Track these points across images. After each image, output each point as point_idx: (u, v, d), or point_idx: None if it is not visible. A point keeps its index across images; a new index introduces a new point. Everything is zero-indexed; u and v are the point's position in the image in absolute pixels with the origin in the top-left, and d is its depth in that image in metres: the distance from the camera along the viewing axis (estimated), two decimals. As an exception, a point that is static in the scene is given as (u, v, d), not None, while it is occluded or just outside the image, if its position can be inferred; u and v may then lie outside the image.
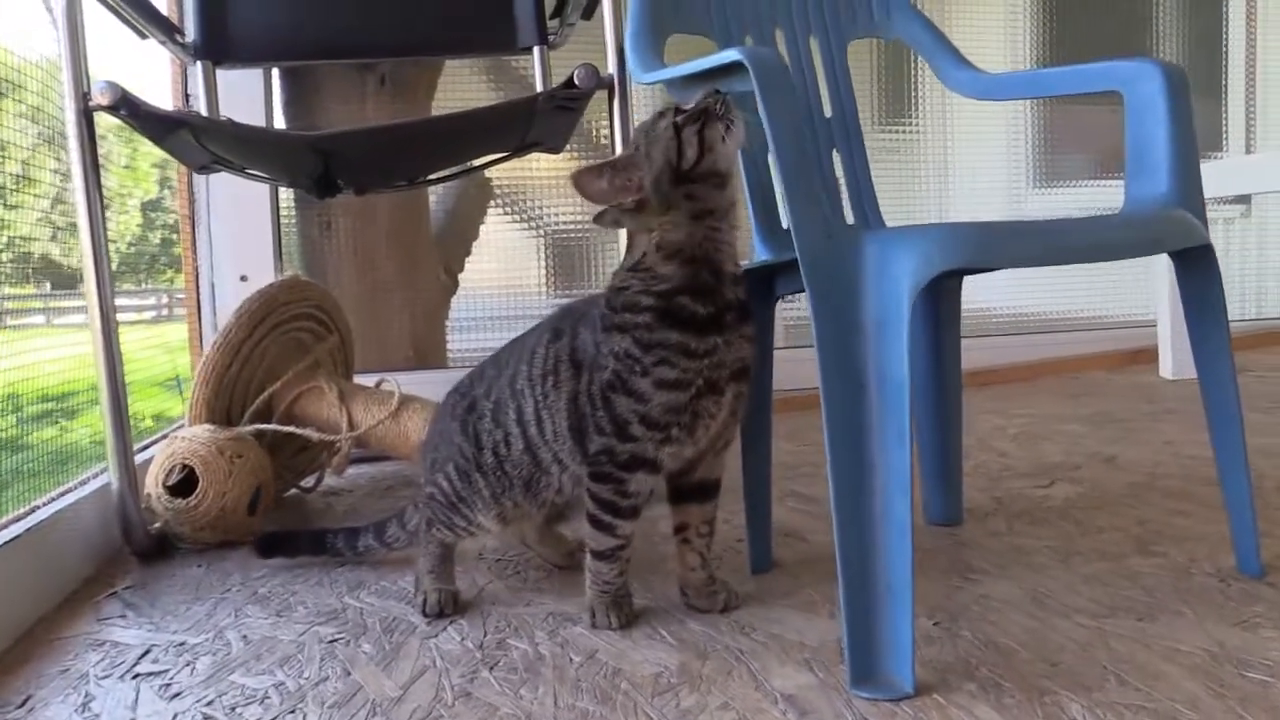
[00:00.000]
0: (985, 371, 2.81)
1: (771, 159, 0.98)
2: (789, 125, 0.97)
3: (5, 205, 1.50)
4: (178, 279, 2.80)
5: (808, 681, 1.00)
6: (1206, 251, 1.14)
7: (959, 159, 3.22)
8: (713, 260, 1.10)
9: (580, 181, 1.09)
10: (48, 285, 1.82)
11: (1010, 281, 3.14)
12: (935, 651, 1.05)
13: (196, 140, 1.58)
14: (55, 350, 1.66)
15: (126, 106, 1.46)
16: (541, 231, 2.79)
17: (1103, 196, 3.29)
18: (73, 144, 1.48)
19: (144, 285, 2.61)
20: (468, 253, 2.65)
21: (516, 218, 2.77)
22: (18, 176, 1.50)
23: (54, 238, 1.75)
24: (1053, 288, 3.20)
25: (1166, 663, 0.99)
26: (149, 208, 2.68)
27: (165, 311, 2.72)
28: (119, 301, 1.96)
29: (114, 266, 1.87)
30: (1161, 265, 2.68)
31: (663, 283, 1.09)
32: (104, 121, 1.74)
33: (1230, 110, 3.45)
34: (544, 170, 2.77)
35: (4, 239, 1.55)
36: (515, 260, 2.77)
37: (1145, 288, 3.21)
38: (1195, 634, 1.06)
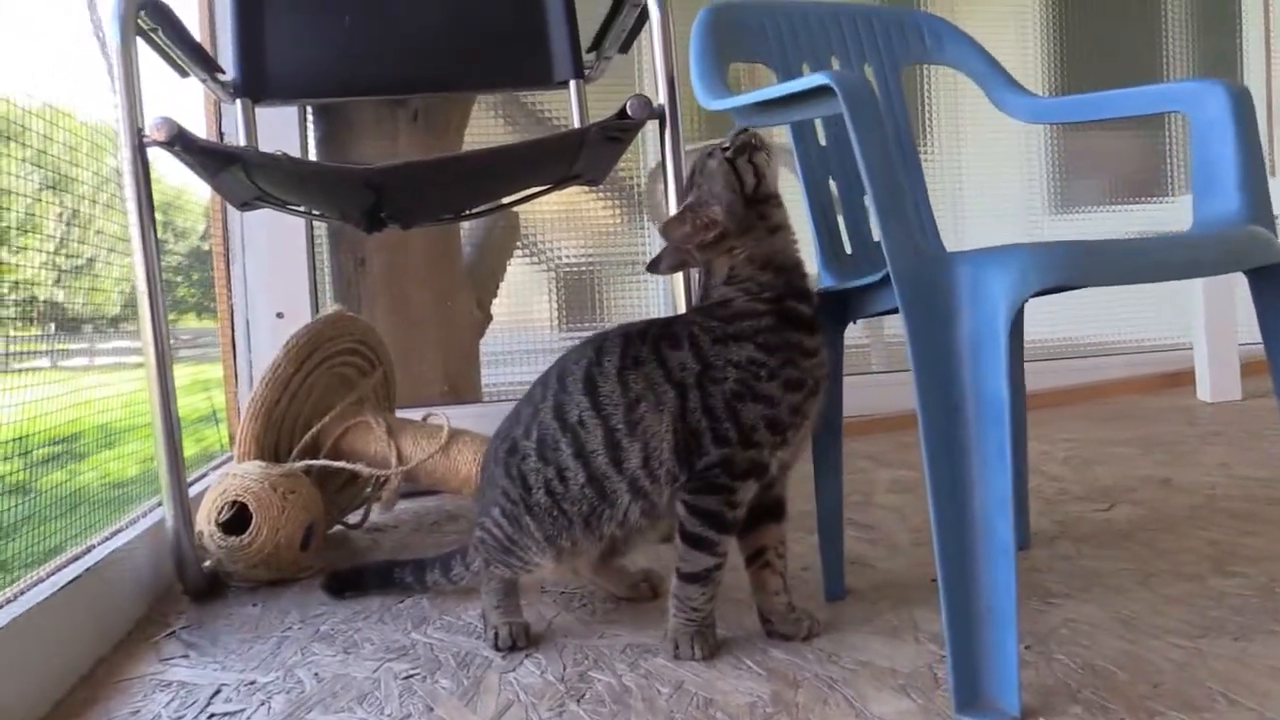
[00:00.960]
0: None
1: (863, 180, 0.98)
2: (879, 147, 0.97)
3: (10, 250, 1.49)
4: (182, 320, 2.79)
5: (907, 708, 0.98)
6: (1285, 268, 1.14)
7: (973, 185, 3.23)
8: (799, 267, 1.17)
9: (668, 230, 1.16)
10: (52, 327, 1.81)
11: (1042, 308, 3.13)
12: (1032, 675, 1.03)
13: (247, 176, 1.58)
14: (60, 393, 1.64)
15: (181, 142, 1.46)
16: (551, 267, 2.80)
17: (1119, 222, 3.30)
18: (127, 180, 1.48)
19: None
20: (498, 287, 2.64)
21: (528, 254, 2.78)
22: (24, 219, 1.49)
23: (58, 281, 1.74)
24: (1083, 314, 3.19)
25: (1273, 681, 0.98)
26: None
27: (173, 355, 2.71)
28: (121, 344, 1.95)
29: (119, 309, 1.87)
30: (1196, 288, 2.68)
31: (769, 290, 1.14)
32: (105, 168, 1.75)
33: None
34: (555, 206, 2.78)
35: (9, 283, 1.55)
36: (526, 296, 2.78)
37: (1176, 312, 3.21)
38: (1295, 653, 1.04)
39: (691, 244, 1.15)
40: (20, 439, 1.35)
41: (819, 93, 1.03)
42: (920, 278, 0.97)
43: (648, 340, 1.17)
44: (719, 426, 1.11)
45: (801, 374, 1.12)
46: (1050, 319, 3.17)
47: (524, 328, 2.77)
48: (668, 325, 1.18)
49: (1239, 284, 1.17)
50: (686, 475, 1.13)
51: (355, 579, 1.47)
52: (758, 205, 1.15)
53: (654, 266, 1.19)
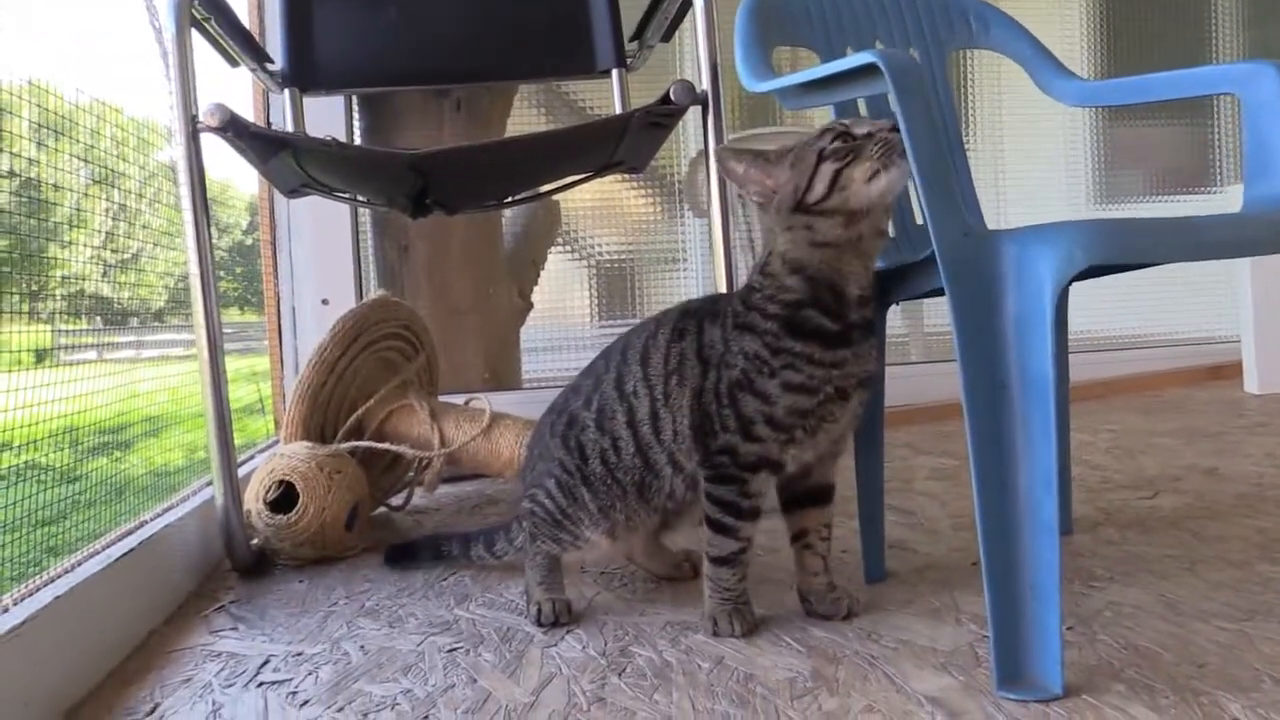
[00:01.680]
0: (1063, 388, 2.78)
1: (909, 160, 0.98)
2: (925, 127, 0.97)
3: (60, 244, 1.53)
4: (225, 313, 2.84)
5: (949, 684, 0.98)
6: (1337, 249, 1.13)
7: (1015, 176, 3.21)
8: (835, 284, 1.09)
9: (723, 156, 1.12)
10: (99, 321, 1.85)
11: (1081, 300, 3.11)
12: (1075, 655, 1.03)
13: (296, 162, 1.60)
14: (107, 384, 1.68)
15: (234, 128, 1.49)
16: (590, 259, 2.81)
17: (1166, 214, 3.25)
18: (181, 165, 1.51)
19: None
20: (539, 275, 2.67)
21: (568, 246, 2.80)
22: (73, 214, 1.53)
23: (105, 275, 1.78)
24: (1129, 306, 3.16)
25: (1321, 665, 0.97)
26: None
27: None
28: (170, 336, 1.99)
29: (163, 302, 1.90)
30: (1244, 279, 2.64)
31: (788, 293, 1.10)
32: (151, 164, 1.79)
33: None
34: (595, 197, 2.80)
35: (59, 276, 1.58)
36: (566, 287, 2.80)
37: (1219, 305, 3.17)
38: (1344, 636, 1.03)
39: (738, 187, 1.11)
40: (71, 429, 1.39)
41: (865, 72, 1.04)
42: (965, 256, 0.97)
43: (697, 315, 1.18)
44: (722, 412, 1.11)
45: (806, 380, 1.08)
46: (1096, 311, 3.14)
47: (562, 319, 2.79)
48: (716, 301, 1.19)
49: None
50: (701, 455, 1.14)
51: (410, 551, 1.52)
52: (810, 215, 1.07)
53: (720, 155, 1.13)
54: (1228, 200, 3.20)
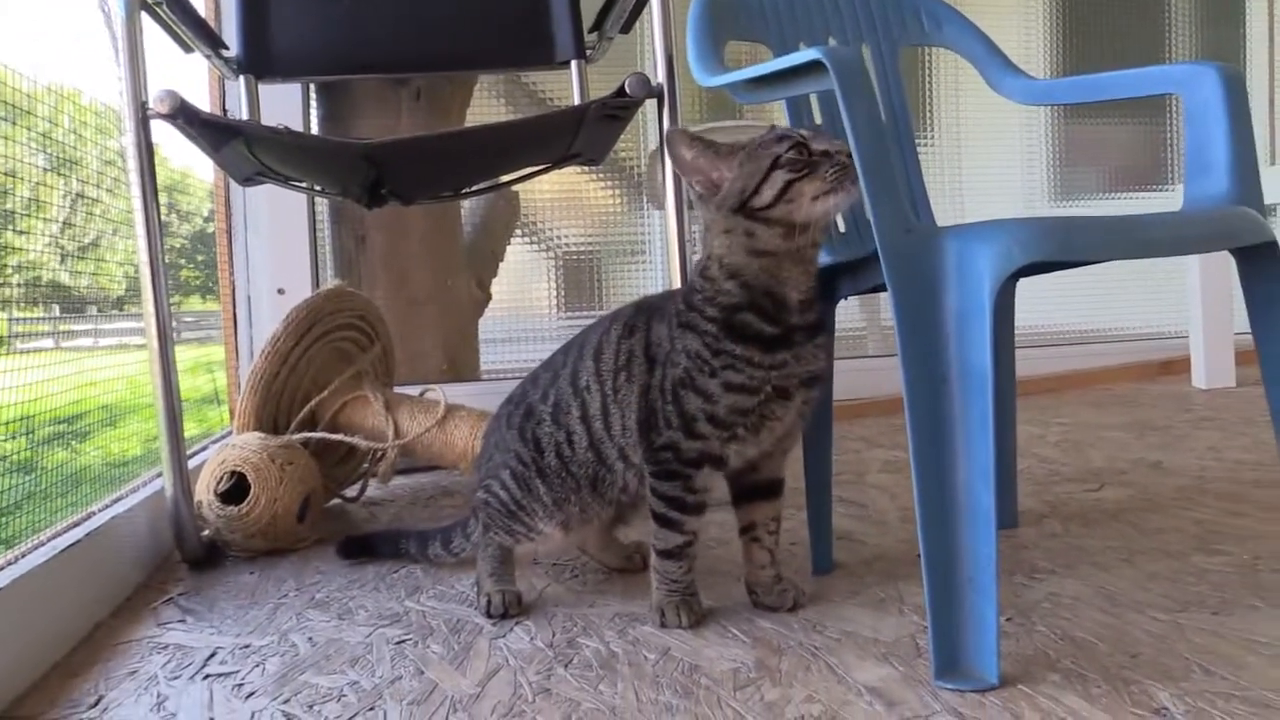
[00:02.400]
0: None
1: (854, 155, 0.99)
2: (869, 124, 0.98)
3: (15, 231, 1.51)
4: (186, 302, 2.81)
5: (889, 674, 1.00)
6: (1272, 248, 1.15)
7: (974, 172, 3.24)
8: (773, 291, 1.09)
9: (674, 139, 1.10)
10: (56, 309, 1.82)
11: (1033, 296, 3.15)
12: (1013, 645, 1.05)
13: (249, 150, 1.59)
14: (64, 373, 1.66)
15: (185, 115, 1.48)
16: (552, 251, 2.81)
17: (1120, 210, 3.30)
18: (130, 153, 1.49)
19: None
20: (498, 266, 2.66)
21: (530, 237, 2.79)
22: (29, 201, 1.50)
23: (63, 262, 1.76)
24: (1076, 302, 3.21)
25: (1248, 653, 0.99)
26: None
27: (175, 335, 2.72)
28: (126, 325, 1.97)
29: (123, 290, 1.88)
30: (1192, 276, 2.69)
31: (726, 296, 1.09)
32: (110, 149, 1.76)
33: (1253, 121, 3.47)
34: (557, 189, 2.79)
35: (15, 263, 1.56)
36: (527, 279, 2.79)
37: (1170, 301, 3.23)
38: (1272, 626, 1.06)
39: (683, 174, 1.10)
40: (25, 418, 1.37)
41: (811, 68, 1.04)
42: (907, 252, 0.98)
43: (647, 311, 1.19)
44: (666, 409, 1.12)
45: (748, 380, 1.08)
46: (1050, 306, 3.19)
47: (524, 311, 2.78)
48: (667, 298, 1.19)
49: (1235, 273, 1.18)
50: (645, 451, 1.14)
51: (366, 544, 1.51)
52: (754, 221, 1.07)
53: (670, 137, 1.10)
54: (1180, 197, 3.25)
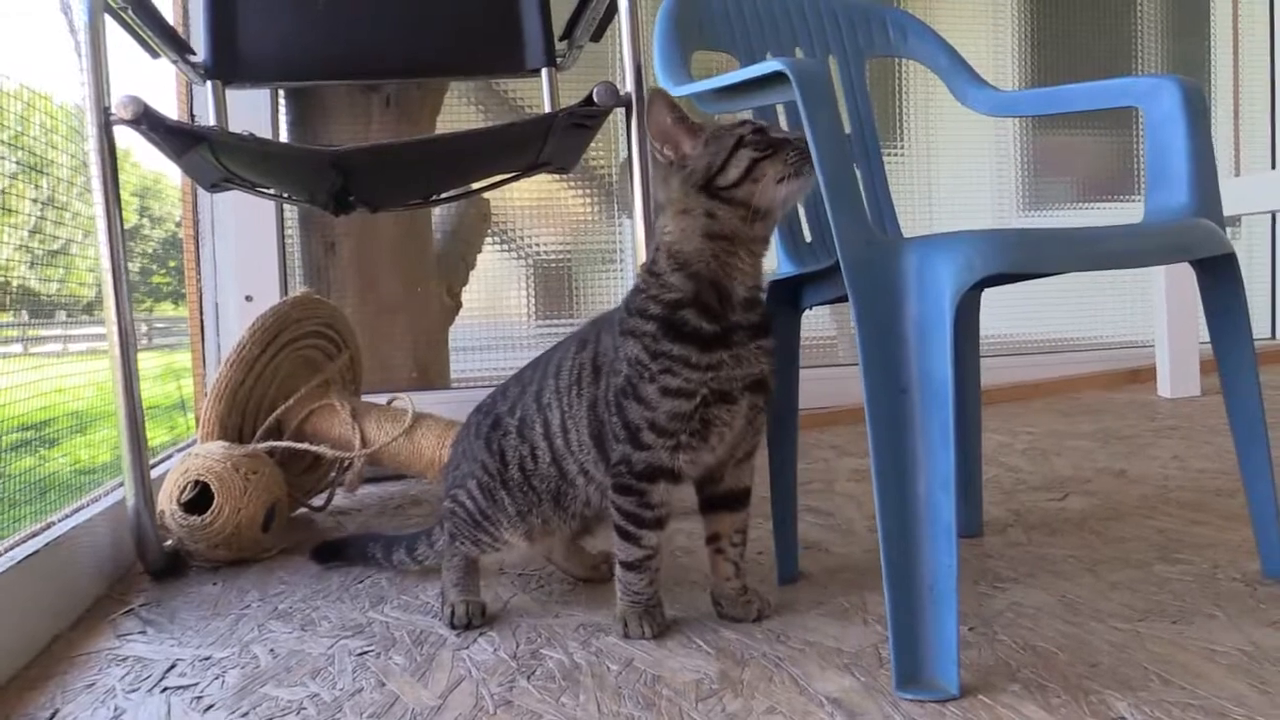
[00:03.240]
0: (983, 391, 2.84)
1: (816, 167, 0.99)
2: (831, 134, 0.99)
3: None
4: (157, 307, 2.78)
5: (851, 685, 1.00)
6: (1230, 260, 1.17)
7: (945, 184, 3.26)
8: (720, 283, 1.09)
9: (656, 100, 1.09)
10: (25, 314, 1.80)
11: (1004, 304, 3.18)
12: (974, 655, 1.05)
13: (214, 156, 1.58)
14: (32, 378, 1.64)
15: (148, 120, 1.46)
16: (526, 258, 2.80)
17: (1090, 220, 3.33)
18: (93, 158, 1.48)
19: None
20: (468, 274, 2.65)
21: (503, 244, 2.78)
22: None
23: (32, 266, 1.74)
24: (1046, 311, 3.25)
25: (1206, 662, 1.00)
26: (127, 237, 2.65)
27: (144, 340, 2.70)
28: (96, 330, 1.94)
29: (92, 295, 1.86)
30: (1158, 286, 2.72)
31: (670, 292, 1.10)
32: (84, 152, 1.74)
33: (1218, 133, 3.52)
34: (530, 196, 2.79)
35: None
36: (502, 287, 2.78)
37: (1138, 310, 3.27)
38: (1230, 635, 1.07)
39: (658, 138, 1.08)
40: None
41: (775, 79, 1.05)
42: (869, 263, 0.99)
43: (598, 324, 1.20)
44: (612, 420, 1.12)
45: (684, 383, 1.07)
46: (1018, 315, 3.21)
47: (498, 318, 2.77)
48: (616, 311, 1.19)
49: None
50: (605, 466, 1.15)
51: (337, 549, 1.52)
52: (717, 200, 1.07)
53: (653, 96, 1.09)
54: (1148, 208, 3.29)
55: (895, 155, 3.17)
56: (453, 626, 1.23)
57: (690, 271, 1.09)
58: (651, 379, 1.08)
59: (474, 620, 1.23)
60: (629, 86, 1.63)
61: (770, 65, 1.02)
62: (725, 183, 1.07)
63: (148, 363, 2.60)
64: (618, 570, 1.18)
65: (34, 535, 1.35)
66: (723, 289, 1.09)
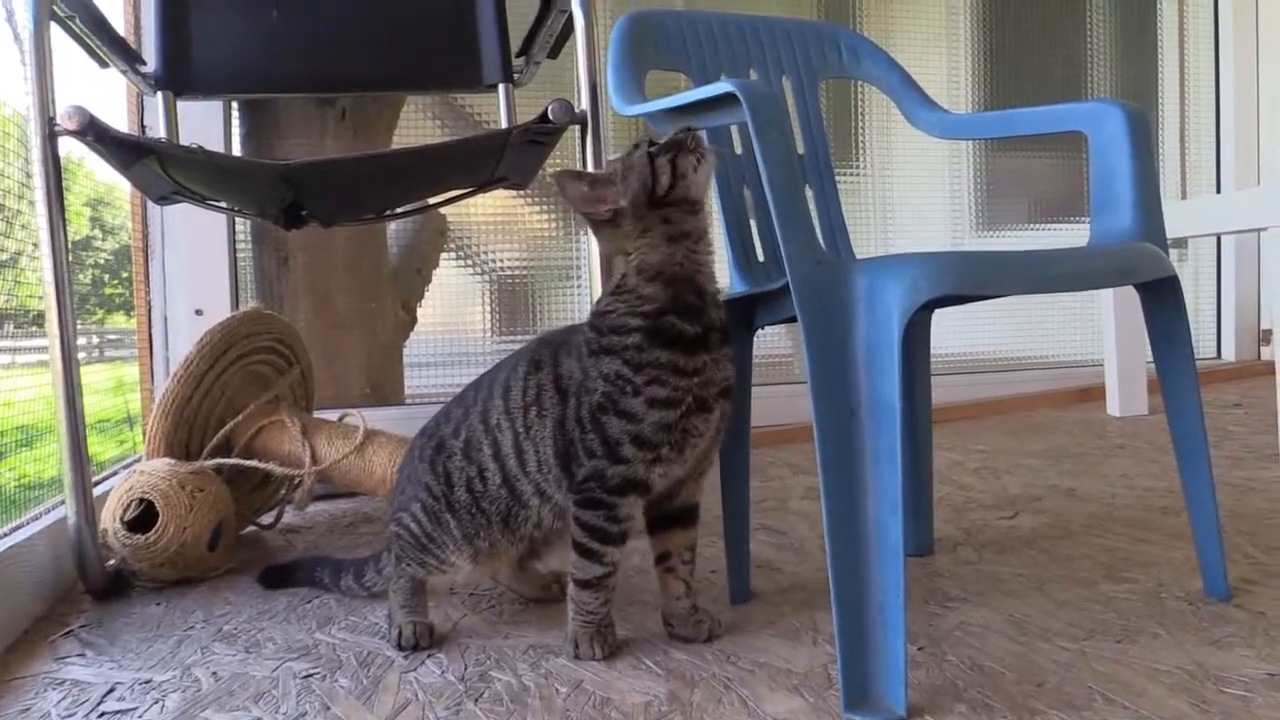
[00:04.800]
0: (935, 409, 2.87)
1: (764, 188, 0.99)
2: (782, 155, 0.99)
3: None
4: (110, 319, 2.73)
5: (799, 706, 1.00)
6: (1173, 283, 1.19)
7: (901, 204, 3.30)
8: (694, 280, 1.12)
9: (563, 181, 1.12)
10: None
11: (958, 323, 3.22)
12: (922, 675, 1.05)
13: (162, 169, 1.55)
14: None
15: (94, 131, 1.44)
16: (485, 273, 2.79)
17: (1043, 241, 3.39)
18: (37, 169, 1.45)
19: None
20: (424, 289, 2.63)
21: (462, 260, 2.77)
22: None
23: None
24: (999, 329, 3.29)
25: (1149, 681, 1.01)
26: (79, 248, 2.61)
27: (96, 353, 2.65)
28: (43, 343, 1.91)
29: (41, 307, 1.82)
30: (1107, 306, 2.76)
31: (648, 303, 1.10)
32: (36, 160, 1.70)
33: (1165, 157, 3.59)
34: (489, 212, 2.78)
35: None
36: (461, 302, 2.77)
37: (1089, 329, 3.32)
38: (1173, 654, 1.08)
39: (584, 210, 1.12)
40: None
41: (727, 100, 1.05)
42: (817, 284, 0.99)
43: (552, 346, 1.19)
44: (586, 438, 1.11)
45: (670, 393, 1.08)
46: (970, 334, 3.25)
47: (456, 334, 2.76)
48: (571, 332, 1.19)
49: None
50: (569, 484, 1.14)
51: (285, 573, 1.50)
52: (665, 207, 1.11)
53: (559, 180, 1.12)
54: (1098, 229, 3.35)
55: (852, 175, 3.20)
56: (400, 648, 1.21)
57: (665, 278, 1.11)
58: (636, 392, 1.09)
59: (421, 642, 1.21)
60: (584, 104, 1.63)
61: (721, 86, 1.03)
62: (663, 190, 1.10)
63: (99, 375, 2.56)
64: (571, 590, 1.17)
65: (-33, 555, 1.31)
66: (698, 285, 1.12)
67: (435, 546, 1.23)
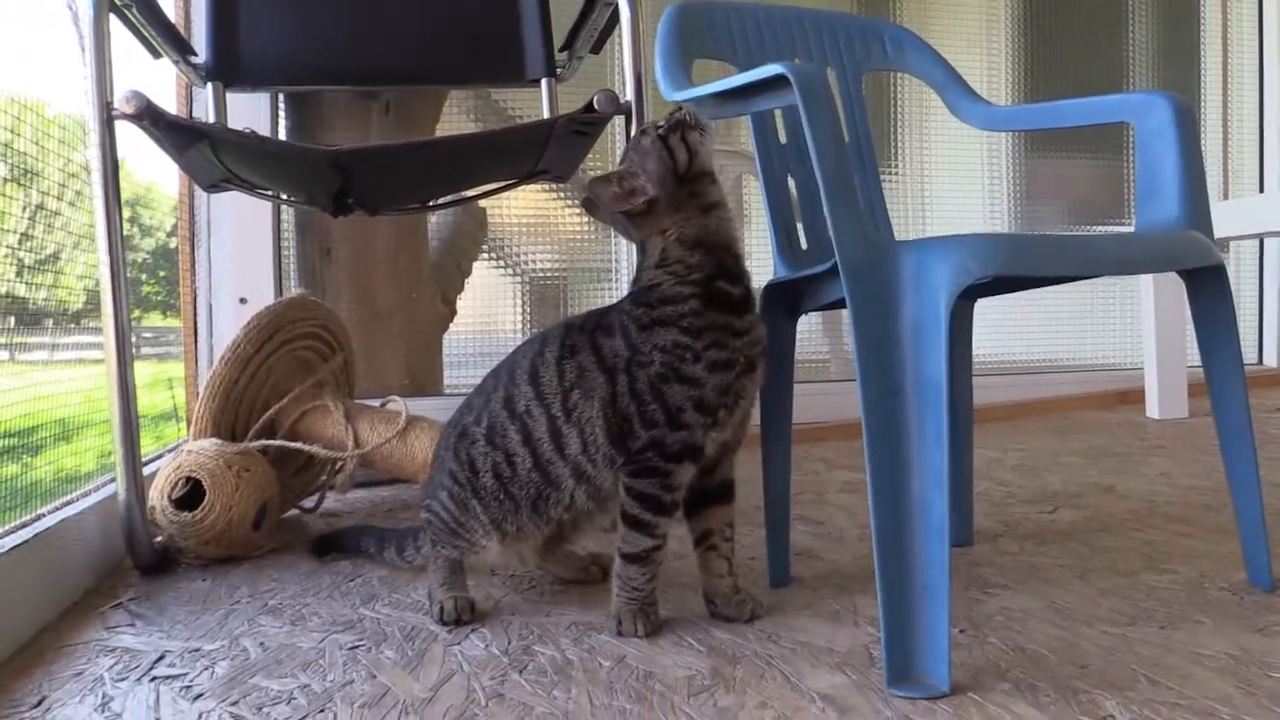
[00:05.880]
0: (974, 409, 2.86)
1: (814, 169, 1.00)
2: (831, 137, 1.00)
3: None
4: (147, 318, 2.78)
5: (842, 682, 1.00)
6: (1219, 271, 1.18)
7: (937, 208, 3.29)
8: (730, 246, 1.17)
9: (594, 188, 1.16)
10: (12, 321, 1.79)
11: (998, 325, 3.20)
12: (964, 656, 1.06)
13: (214, 154, 1.58)
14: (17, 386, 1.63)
15: (150, 116, 1.47)
16: (520, 273, 2.81)
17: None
18: (94, 153, 1.48)
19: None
20: (464, 282, 2.66)
21: (498, 260, 2.79)
22: None
23: (19, 275, 1.73)
24: (1040, 333, 3.27)
25: (1193, 665, 1.01)
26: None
27: (135, 350, 2.69)
28: (85, 339, 1.95)
29: (81, 304, 1.86)
30: (1148, 307, 2.74)
31: (697, 271, 1.14)
32: (76, 161, 1.74)
33: (1208, 157, 3.56)
34: (527, 212, 2.80)
35: None
36: (494, 301, 2.79)
37: (1127, 333, 3.30)
38: (1217, 640, 1.08)
39: (619, 209, 1.16)
40: None
41: (775, 83, 1.07)
42: (866, 264, 1.00)
43: (584, 330, 1.21)
44: (646, 409, 1.13)
45: (729, 355, 1.13)
46: (1011, 337, 3.24)
47: (491, 332, 2.78)
48: (603, 315, 1.21)
49: (1189, 307, 1.21)
50: (624, 459, 1.15)
51: (334, 541, 1.55)
52: (690, 183, 1.15)
53: (588, 205, 1.18)
54: (1137, 233, 3.33)
55: (888, 177, 3.20)
56: (443, 622, 1.23)
57: (706, 246, 1.15)
58: (697, 357, 1.12)
59: (463, 615, 1.23)
60: (629, 95, 1.64)
61: (771, 69, 1.04)
62: (684, 167, 1.15)
63: (137, 371, 2.59)
64: (618, 565, 1.18)
65: (22, 526, 1.34)
66: (733, 249, 1.17)
67: (464, 530, 1.25)
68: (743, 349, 1.14)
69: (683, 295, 1.13)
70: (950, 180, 3.28)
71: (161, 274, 2.84)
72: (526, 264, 2.81)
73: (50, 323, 1.84)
